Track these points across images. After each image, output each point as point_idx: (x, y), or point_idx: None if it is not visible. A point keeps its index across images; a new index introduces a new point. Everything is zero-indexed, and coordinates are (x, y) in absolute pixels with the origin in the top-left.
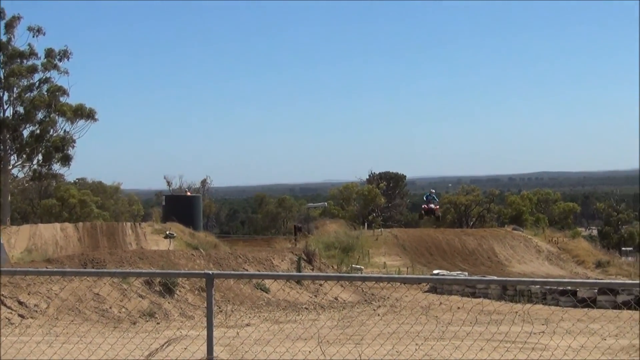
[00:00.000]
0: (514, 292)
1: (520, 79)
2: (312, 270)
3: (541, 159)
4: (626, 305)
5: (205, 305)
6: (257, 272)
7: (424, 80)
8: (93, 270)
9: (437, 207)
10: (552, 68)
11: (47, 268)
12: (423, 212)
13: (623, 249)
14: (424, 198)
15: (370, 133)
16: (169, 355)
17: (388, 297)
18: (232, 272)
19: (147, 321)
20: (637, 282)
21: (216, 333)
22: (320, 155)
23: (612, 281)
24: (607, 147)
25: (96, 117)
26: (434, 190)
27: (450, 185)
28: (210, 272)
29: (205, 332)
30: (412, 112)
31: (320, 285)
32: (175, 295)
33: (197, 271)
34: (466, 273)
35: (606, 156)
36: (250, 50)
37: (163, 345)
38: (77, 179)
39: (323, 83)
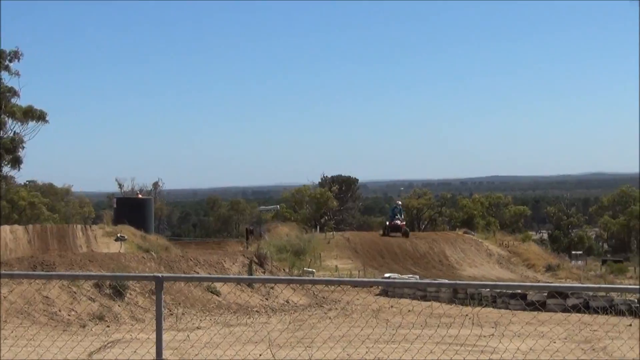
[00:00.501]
0: (464, 295)
1: (471, 84)
2: (264, 273)
3: (492, 163)
4: (575, 308)
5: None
6: (207, 275)
7: (374, 84)
8: (42, 272)
9: (404, 222)
10: (503, 74)
11: None
12: (388, 229)
13: (573, 252)
14: (390, 212)
15: (322, 136)
16: (119, 357)
17: (339, 300)
18: (182, 275)
19: (97, 324)
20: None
21: (166, 336)
22: (273, 158)
23: (562, 285)
24: (557, 152)
25: (47, 118)
26: (400, 203)
27: (402, 188)
28: (160, 275)
29: (155, 335)
30: (364, 115)
31: (272, 288)
32: (126, 298)
33: (146, 274)
34: (417, 276)
35: (557, 161)
36: (201, 51)
37: (106, 344)
38: (27, 181)
39: (275, 86)
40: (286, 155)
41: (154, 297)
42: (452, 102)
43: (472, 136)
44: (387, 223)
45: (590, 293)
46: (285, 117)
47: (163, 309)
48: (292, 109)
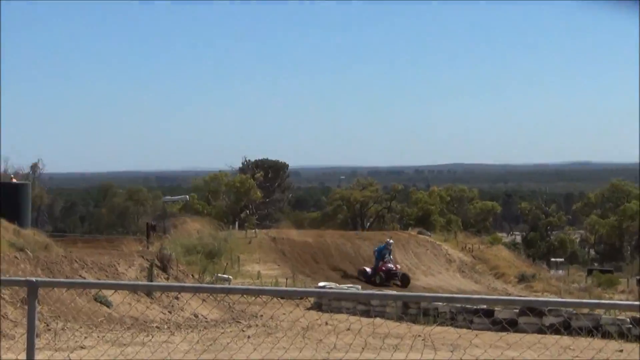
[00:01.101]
0: (416, 310)
1: (430, 56)
2: (167, 279)
3: (455, 148)
4: (552, 328)
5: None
6: (95, 281)
7: (309, 53)
8: None
9: (398, 265)
10: (469, 47)
11: None
12: (379, 276)
13: (552, 259)
14: (376, 254)
15: (245, 112)
16: None
17: (261, 315)
18: (63, 280)
19: None
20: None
21: (41, 357)
22: (183, 137)
23: (537, 299)
24: (534, 137)
25: None
26: (392, 241)
27: (343, 177)
28: (34, 279)
29: (25, 356)
30: (297, 90)
31: (176, 298)
32: None
33: (18, 278)
34: (359, 286)
35: (533, 147)
36: (96, 21)
37: None
38: None
39: (185, 51)
40: (199, 134)
41: (27, 307)
42: (406, 76)
43: (430, 116)
44: (376, 267)
45: (572, 310)
46: (200, 89)
47: (37, 322)
48: (209, 80)
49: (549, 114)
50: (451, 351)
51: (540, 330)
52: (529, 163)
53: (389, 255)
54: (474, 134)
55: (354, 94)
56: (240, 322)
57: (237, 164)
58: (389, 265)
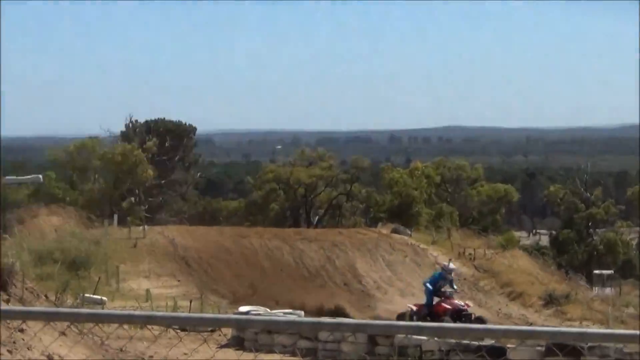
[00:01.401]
0: (389, 347)
1: None
2: (8, 301)
3: (450, 104)
4: None
5: None
6: None
7: None
8: None
9: (470, 303)
10: None
11: None
12: (445, 317)
13: (596, 272)
14: (429, 283)
15: (132, 56)
16: None
17: (150, 356)
18: None
19: None
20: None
21: None
22: (35, 89)
23: (572, 330)
24: (569, 90)
25: None
26: (453, 266)
27: (279, 147)
28: None
29: None
30: (208, 20)
31: (20, 330)
32: None
33: None
34: (302, 312)
35: (565, 105)
36: None
37: None
38: None
39: None
40: (60, 85)
41: None
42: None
43: (411, 58)
44: (430, 304)
45: (623, 347)
46: (59, 23)
47: None
48: (79, 16)
49: (591, 56)
50: None
51: None
52: (562, 127)
53: (452, 286)
54: (479, 85)
55: (295, 26)
56: None
57: (118, 127)
58: (457, 302)
